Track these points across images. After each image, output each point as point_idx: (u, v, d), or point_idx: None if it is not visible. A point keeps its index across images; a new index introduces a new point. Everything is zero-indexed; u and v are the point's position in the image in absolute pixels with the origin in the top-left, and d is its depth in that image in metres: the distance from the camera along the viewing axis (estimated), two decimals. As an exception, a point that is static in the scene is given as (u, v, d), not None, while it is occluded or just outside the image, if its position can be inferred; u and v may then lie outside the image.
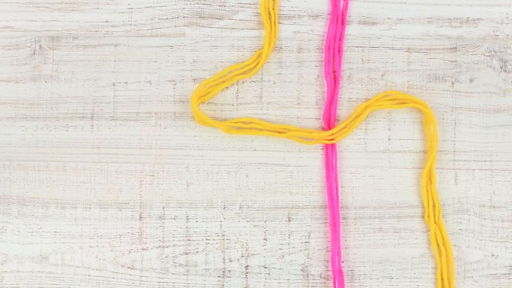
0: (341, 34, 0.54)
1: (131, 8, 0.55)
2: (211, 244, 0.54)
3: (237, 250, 0.54)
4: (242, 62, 0.54)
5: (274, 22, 0.54)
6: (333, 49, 0.54)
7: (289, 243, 0.54)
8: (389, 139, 0.54)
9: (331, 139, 0.53)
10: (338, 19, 0.53)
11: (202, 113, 0.52)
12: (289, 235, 0.54)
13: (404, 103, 0.53)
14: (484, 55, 0.55)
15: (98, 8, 0.55)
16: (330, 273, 0.53)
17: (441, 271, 0.52)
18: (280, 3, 0.54)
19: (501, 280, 0.53)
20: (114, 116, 0.54)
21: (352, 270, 0.53)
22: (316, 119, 0.54)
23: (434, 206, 0.53)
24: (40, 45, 0.54)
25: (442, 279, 0.52)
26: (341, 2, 0.54)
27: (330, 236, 0.53)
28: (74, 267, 0.54)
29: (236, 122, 0.53)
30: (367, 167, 0.54)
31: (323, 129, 0.54)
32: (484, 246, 0.54)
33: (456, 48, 0.55)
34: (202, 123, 0.53)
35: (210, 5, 0.55)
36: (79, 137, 0.54)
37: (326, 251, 0.54)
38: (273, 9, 0.54)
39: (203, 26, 0.54)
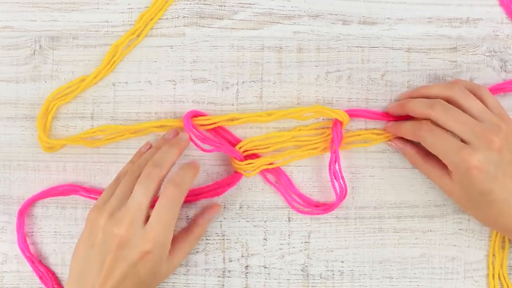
0: None
1: (131, 8, 0.55)
2: (211, 244, 0.54)
3: (237, 250, 0.54)
4: (65, 83, 0.53)
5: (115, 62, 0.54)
6: None
7: (289, 243, 0.54)
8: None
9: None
10: None
11: (45, 138, 0.52)
12: (289, 235, 0.54)
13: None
14: (484, 55, 0.55)
15: (98, 8, 0.55)
16: (330, 273, 0.53)
17: None
18: (280, 3, 0.54)
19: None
20: (114, 116, 0.54)
21: (352, 270, 0.53)
22: (316, 118, 0.54)
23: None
24: (40, 45, 0.54)
25: None
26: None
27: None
28: (74, 267, 0.54)
29: (93, 132, 0.53)
30: (367, 167, 0.54)
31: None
32: (484, 246, 0.54)
33: (456, 48, 0.55)
34: (48, 150, 0.53)
35: (210, 5, 0.55)
36: (79, 137, 0.54)
37: (326, 251, 0.54)
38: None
39: (203, 26, 0.54)
